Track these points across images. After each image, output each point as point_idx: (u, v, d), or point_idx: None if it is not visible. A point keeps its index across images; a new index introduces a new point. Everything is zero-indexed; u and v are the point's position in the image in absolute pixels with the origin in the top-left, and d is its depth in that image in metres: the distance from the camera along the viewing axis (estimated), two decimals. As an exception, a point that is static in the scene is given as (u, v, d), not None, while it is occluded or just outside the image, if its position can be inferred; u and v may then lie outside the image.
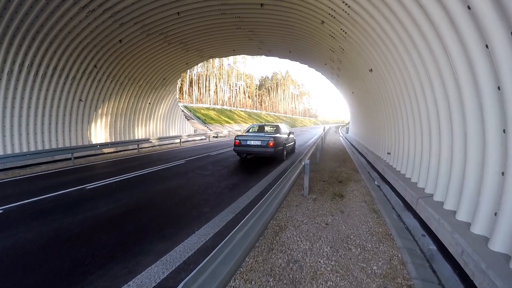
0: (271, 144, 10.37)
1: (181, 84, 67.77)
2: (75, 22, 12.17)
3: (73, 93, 14.78)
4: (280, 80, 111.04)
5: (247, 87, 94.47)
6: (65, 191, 7.04)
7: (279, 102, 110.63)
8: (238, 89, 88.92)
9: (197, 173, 9.26)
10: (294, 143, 14.53)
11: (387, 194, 6.57)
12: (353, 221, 4.84)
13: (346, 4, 7.58)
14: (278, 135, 11.29)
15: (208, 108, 52.18)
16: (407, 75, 6.00)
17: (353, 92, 15.21)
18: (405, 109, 6.69)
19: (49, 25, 11.84)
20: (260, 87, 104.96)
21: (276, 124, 12.82)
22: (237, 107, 77.75)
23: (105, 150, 16.56)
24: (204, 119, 40.02)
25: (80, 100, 15.32)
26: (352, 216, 5.10)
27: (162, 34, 13.94)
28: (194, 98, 67.13)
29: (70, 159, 13.13)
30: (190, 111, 41.38)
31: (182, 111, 38.71)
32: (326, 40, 11.47)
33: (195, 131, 27.06)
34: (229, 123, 47.96)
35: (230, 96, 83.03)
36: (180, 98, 65.50)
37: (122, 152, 16.74)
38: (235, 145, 11.06)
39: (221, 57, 18.92)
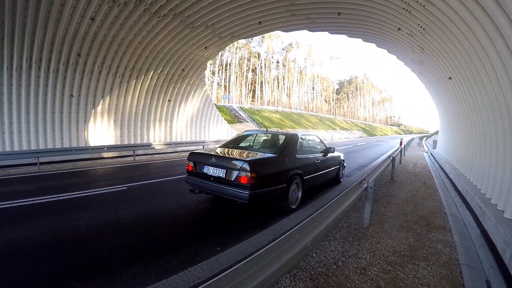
0: (245, 179, 4.19)
1: (253, 86, 64.45)
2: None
3: (61, 88, 11.14)
4: (359, 84, 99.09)
5: (323, 91, 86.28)
6: None
7: (358, 108, 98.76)
8: (313, 92, 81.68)
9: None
10: (340, 168, 7.54)
11: None
12: None
13: None
14: (268, 156, 4.83)
15: (271, 111, 46.76)
16: None
17: (450, 78, 7.94)
18: None
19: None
20: (338, 91, 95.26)
21: (285, 132, 6.10)
22: (310, 111, 70.84)
23: (105, 155, 12.61)
24: (261, 122, 34.78)
25: (71, 95, 11.57)
26: None
27: (148, 5, 9.13)
28: (265, 100, 63.00)
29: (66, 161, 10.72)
30: (246, 113, 36.59)
31: (232, 112, 34.31)
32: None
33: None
34: (293, 128, 41.73)
35: (304, 99, 76.54)
36: (253, 100, 62.15)
37: (121, 159, 12.50)
38: (187, 171, 5.32)
39: (247, 36, 13.21)
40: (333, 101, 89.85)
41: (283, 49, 70.87)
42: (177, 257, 3.35)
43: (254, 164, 4.26)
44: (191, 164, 5.10)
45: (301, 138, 5.83)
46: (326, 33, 12.38)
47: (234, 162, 4.39)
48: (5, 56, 9.22)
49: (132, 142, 14.14)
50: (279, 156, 4.89)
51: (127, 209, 5.02)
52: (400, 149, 12.29)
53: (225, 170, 4.48)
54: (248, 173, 4.14)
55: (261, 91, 64.89)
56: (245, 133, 6.47)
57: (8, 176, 8.19)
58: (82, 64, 11.18)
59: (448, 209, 5.39)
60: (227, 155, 4.88)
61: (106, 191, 6.36)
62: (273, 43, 66.83)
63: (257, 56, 63.66)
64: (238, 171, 4.25)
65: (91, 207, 5.16)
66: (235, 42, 54.66)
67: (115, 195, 6.07)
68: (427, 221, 4.65)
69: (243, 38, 13.45)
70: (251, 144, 6.06)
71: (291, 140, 5.50)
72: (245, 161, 4.24)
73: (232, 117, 32.45)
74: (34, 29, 9.22)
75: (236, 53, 58.56)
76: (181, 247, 3.60)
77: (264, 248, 1.80)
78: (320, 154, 6.27)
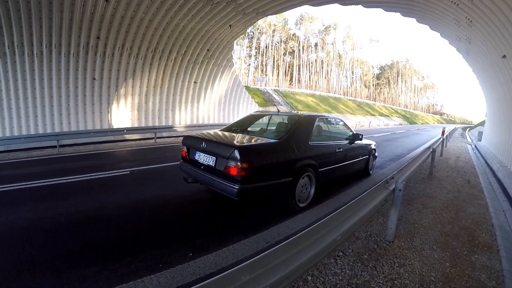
0: (234, 170, 3.33)
1: (291, 70, 62.30)
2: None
3: (83, 72, 11.10)
4: (401, 69, 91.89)
5: (363, 75, 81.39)
6: None
7: (399, 94, 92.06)
8: (352, 77, 77.37)
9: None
10: (369, 158, 6.33)
11: None
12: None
13: None
14: (269, 142, 3.92)
15: (307, 95, 44.77)
16: None
17: (504, 56, 6.33)
18: None
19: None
20: (378, 76, 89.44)
21: (298, 114, 5.04)
22: (349, 96, 67.34)
23: (127, 137, 12.50)
24: (296, 106, 33.50)
25: (94, 79, 11.47)
26: None
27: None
28: (302, 84, 60.80)
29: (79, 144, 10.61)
30: (280, 96, 35.40)
31: (265, 95, 33.22)
32: None
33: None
34: (329, 112, 39.71)
35: (343, 84, 72.88)
36: (290, 83, 60.29)
37: (144, 141, 12.33)
38: (182, 157, 4.61)
39: (272, 12, 11.95)
40: (373, 86, 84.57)
41: (321, 31, 67.38)
42: (139, 261, 2.77)
43: (245, 152, 3.43)
44: (185, 149, 4.40)
45: (318, 121, 4.78)
46: (362, 10, 10.91)
47: (224, 148, 3.60)
48: (25, 43, 9.30)
49: (157, 124, 13.96)
50: (284, 143, 3.96)
51: (116, 197, 4.58)
52: (442, 139, 10.58)
53: (215, 158, 3.72)
54: (238, 163, 3.32)
55: (299, 74, 62.59)
56: (253, 115, 5.56)
57: (27, 158, 8.38)
58: (102, 47, 10.98)
59: (495, 219, 4.14)
60: (218, 140, 4.05)
61: (107, 175, 6.03)
62: (311, 26, 63.81)
63: (295, 39, 61.26)
64: (227, 160, 3.46)
65: (81, 193, 4.82)
66: (271, 25, 53.06)
67: (113, 180, 5.70)
68: (469, 236, 3.51)
69: (269, 15, 12.31)
70: (258, 127, 5.19)
71: (303, 123, 4.50)
72: (235, 147, 3.43)
73: (266, 100, 31.48)
74: (50, 15, 9.16)
75: (273, 35, 56.88)
76: (149, 248, 3.02)
77: None
78: (344, 142, 5.22)
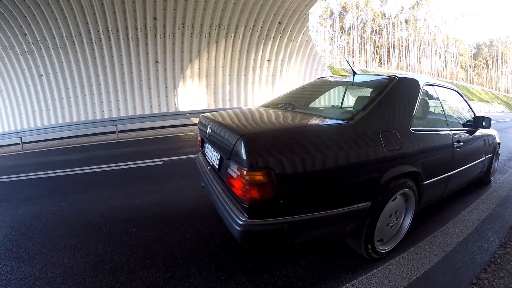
0: (238, 186, 1.38)
1: (379, 50, 55.85)
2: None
3: (144, 55, 10.76)
4: (501, 48, 72.82)
5: (459, 55, 68.21)
6: None
7: (499, 77, 73.77)
8: (446, 56, 65.35)
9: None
10: (493, 158, 3.39)
11: None
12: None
13: None
14: (327, 125, 1.68)
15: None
16: None
17: None
18: None
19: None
20: (475, 56, 74.38)
21: (390, 76, 2.14)
22: (444, 77, 57.50)
23: (194, 120, 11.84)
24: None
25: (157, 61, 11.05)
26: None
27: None
28: (392, 65, 54.25)
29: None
30: (365, 77, 31.69)
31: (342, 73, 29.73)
32: None
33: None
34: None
35: (437, 64, 62.40)
36: (379, 65, 54.36)
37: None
38: (200, 147, 2.85)
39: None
40: (470, 67, 70.09)
41: (412, 6, 58.57)
42: None
43: (260, 145, 1.36)
44: (201, 135, 2.67)
45: (425, 89, 2.27)
46: None
47: (227, 137, 1.60)
48: (82, 32, 9.25)
49: (228, 106, 13.03)
50: (359, 128, 1.65)
51: (120, 197, 3.31)
52: None
53: (219, 155, 1.94)
54: (244, 170, 1.35)
55: (388, 54, 56.00)
56: (322, 81, 3.13)
57: (87, 143, 8.26)
58: (161, 28, 10.34)
59: None
60: (225, 122, 1.86)
61: (137, 165, 5.04)
62: (400, 1, 56.04)
63: (382, 16, 54.61)
64: (229, 160, 1.56)
65: (87, 187, 3.93)
66: (355, 2, 48.07)
67: (140, 172, 4.65)
68: None
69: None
70: (326, 103, 3.17)
71: (399, 90, 2.01)
72: (241, 135, 1.42)
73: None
74: (101, 1, 8.81)
75: (357, 13, 51.66)
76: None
77: None
78: (462, 130, 2.66)
